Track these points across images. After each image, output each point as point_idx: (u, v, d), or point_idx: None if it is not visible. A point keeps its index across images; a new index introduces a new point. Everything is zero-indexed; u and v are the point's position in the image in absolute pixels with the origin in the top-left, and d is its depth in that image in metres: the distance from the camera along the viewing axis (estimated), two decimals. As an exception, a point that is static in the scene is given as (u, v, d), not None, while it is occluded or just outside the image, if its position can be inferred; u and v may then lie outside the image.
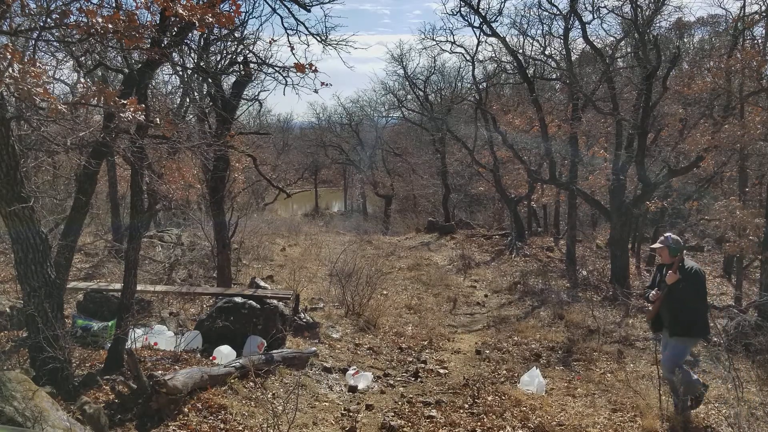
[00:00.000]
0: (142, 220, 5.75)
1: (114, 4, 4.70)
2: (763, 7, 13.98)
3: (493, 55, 21.59)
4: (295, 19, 8.04)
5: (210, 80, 8.86)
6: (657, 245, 5.65)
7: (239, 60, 9.21)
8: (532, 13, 22.39)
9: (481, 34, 17.10)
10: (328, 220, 29.99)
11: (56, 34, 5.12)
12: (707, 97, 12.59)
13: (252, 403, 5.30)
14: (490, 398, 6.01)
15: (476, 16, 15.58)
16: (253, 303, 7.00)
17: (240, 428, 4.81)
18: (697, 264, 5.67)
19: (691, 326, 5.45)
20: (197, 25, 4.13)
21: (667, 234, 5.77)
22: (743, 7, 20.63)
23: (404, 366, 7.41)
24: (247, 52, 9.29)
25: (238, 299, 7.03)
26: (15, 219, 4.62)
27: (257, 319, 6.87)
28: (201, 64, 8.22)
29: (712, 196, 14.95)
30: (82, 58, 7.37)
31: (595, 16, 20.97)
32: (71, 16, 3.89)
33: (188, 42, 7.09)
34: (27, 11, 4.23)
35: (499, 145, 17.65)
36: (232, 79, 9.82)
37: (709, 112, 12.59)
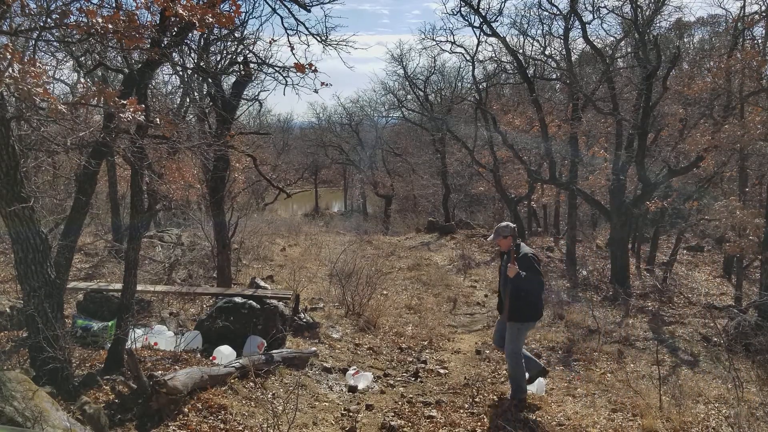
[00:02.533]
0: (142, 220, 5.74)
1: (114, 4, 4.69)
2: (763, 7, 14.01)
3: (493, 55, 21.65)
4: (295, 19, 8.02)
5: (210, 80, 8.85)
6: (491, 238, 5.90)
7: (239, 60, 9.20)
8: (532, 13, 22.56)
9: (481, 34, 17.12)
10: (328, 220, 29.98)
11: (56, 34, 5.12)
12: (707, 97, 12.59)
13: (252, 403, 5.30)
14: (490, 398, 6.00)
15: (476, 16, 15.60)
16: (253, 303, 7.00)
17: (240, 428, 4.81)
18: (530, 249, 5.89)
19: (527, 311, 5.71)
20: (197, 25, 4.12)
21: (497, 226, 5.97)
22: (743, 7, 20.77)
23: (404, 366, 7.41)
24: (247, 52, 9.28)
25: (238, 299, 7.03)
26: (15, 219, 4.62)
27: (257, 319, 6.86)
28: (201, 64, 8.22)
29: (712, 196, 14.95)
30: (82, 58, 7.39)
31: (595, 16, 21.09)
32: (71, 16, 3.88)
33: (188, 42, 7.09)
34: (27, 11, 4.23)
35: (499, 145, 17.65)
36: (232, 79, 9.82)
37: (709, 112, 12.59)
